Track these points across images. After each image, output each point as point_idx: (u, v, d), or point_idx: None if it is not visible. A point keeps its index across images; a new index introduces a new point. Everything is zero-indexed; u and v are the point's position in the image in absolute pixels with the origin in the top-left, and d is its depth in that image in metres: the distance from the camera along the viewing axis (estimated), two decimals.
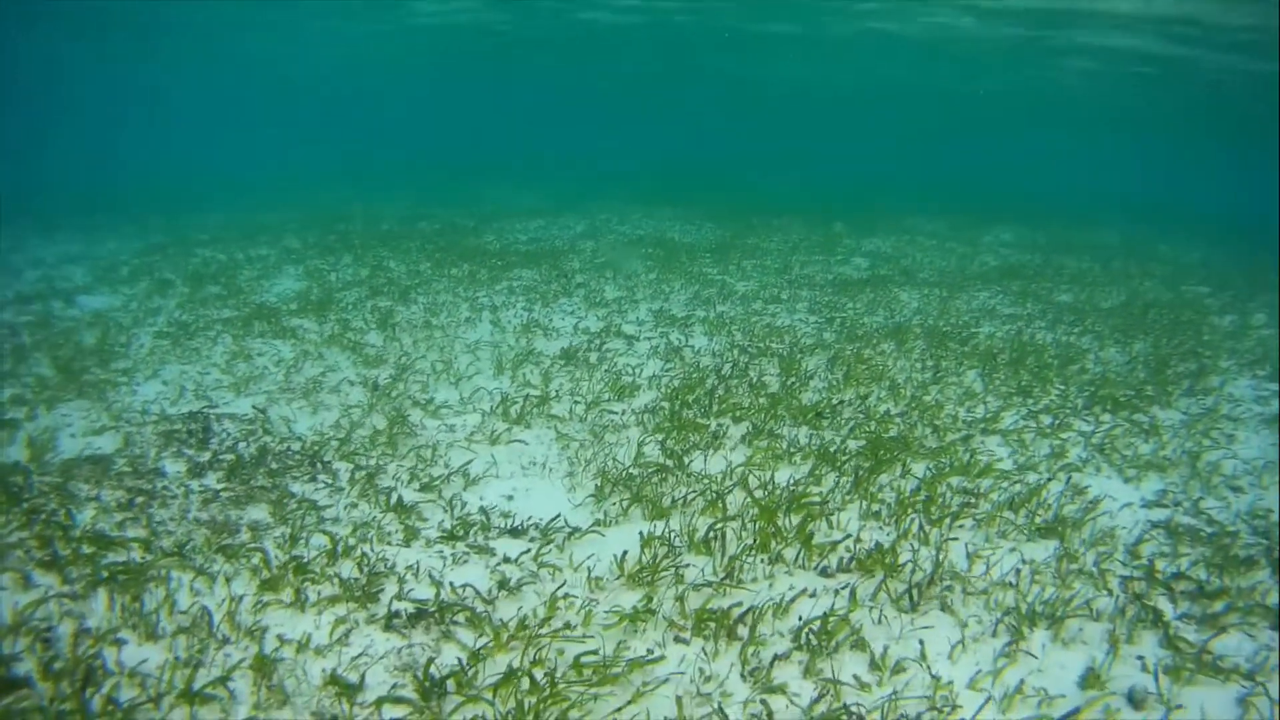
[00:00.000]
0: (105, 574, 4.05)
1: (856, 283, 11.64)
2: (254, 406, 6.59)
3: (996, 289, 12.03)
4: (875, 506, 5.07)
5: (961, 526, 4.94)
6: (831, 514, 4.93)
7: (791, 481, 5.33)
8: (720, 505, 4.90)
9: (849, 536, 4.67)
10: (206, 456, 5.66)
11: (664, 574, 4.20)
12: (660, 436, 5.93)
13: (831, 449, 5.79)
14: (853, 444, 5.97)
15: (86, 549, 4.29)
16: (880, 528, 4.88)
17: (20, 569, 4.15)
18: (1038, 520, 5.02)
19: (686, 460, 5.57)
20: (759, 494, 5.13)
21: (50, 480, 5.18)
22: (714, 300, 10.24)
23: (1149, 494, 5.61)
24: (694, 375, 7.27)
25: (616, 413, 6.41)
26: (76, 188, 30.09)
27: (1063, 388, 7.62)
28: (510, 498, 5.23)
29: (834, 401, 6.79)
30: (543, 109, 73.15)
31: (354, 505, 5.11)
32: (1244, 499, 5.62)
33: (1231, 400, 7.60)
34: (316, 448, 5.84)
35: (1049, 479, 5.66)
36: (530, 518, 4.91)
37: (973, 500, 5.24)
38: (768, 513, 4.71)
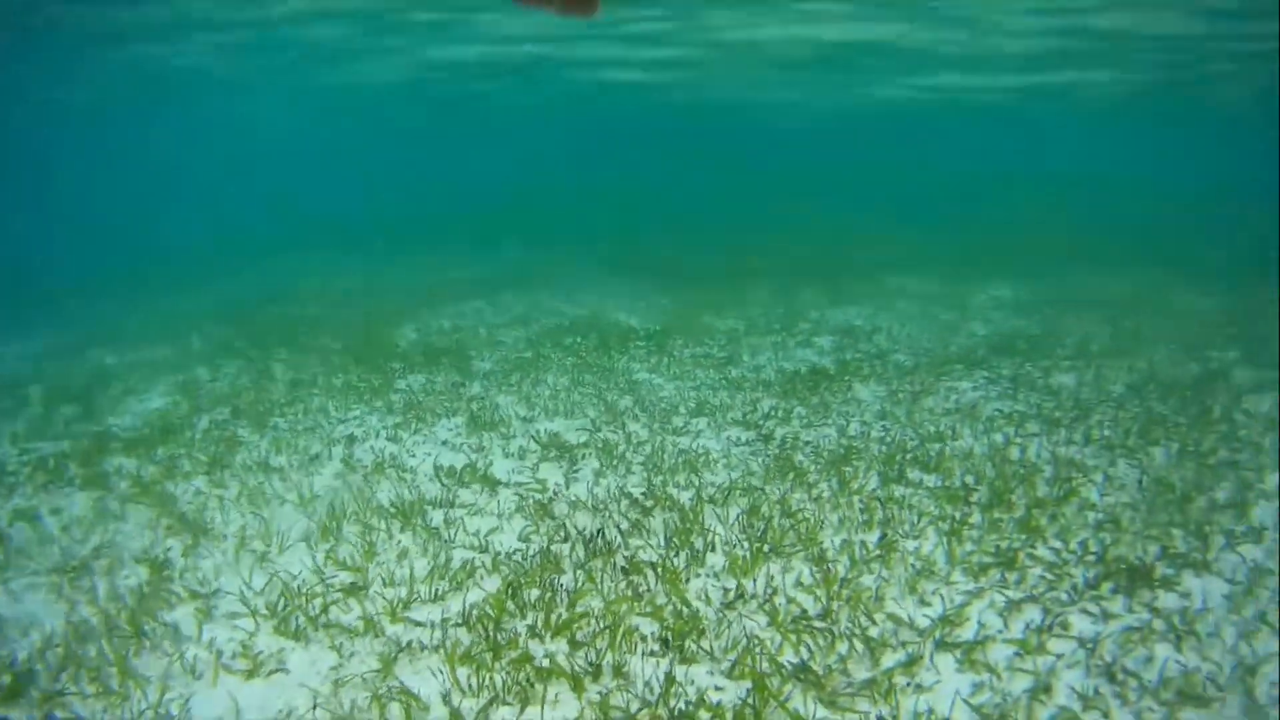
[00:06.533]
0: None
1: (812, 375, 10.11)
2: None
3: (982, 374, 10.21)
4: None
5: None
6: None
7: None
8: None
9: None
10: None
11: None
12: (467, 671, 4.52)
13: (694, 703, 4.23)
14: (731, 691, 4.37)
15: None
16: None
17: None
18: None
19: None
20: None
21: None
22: (627, 414, 8.82)
23: None
24: (554, 548, 5.86)
25: (424, 623, 5.02)
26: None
27: (1059, 545, 5.74)
28: None
29: (730, 596, 5.20)
30: (513, 164, 71.91)
31: None
32: None
33: None
34: (19, 680, 4.50)
35: None
36: None
37: None
38: None
